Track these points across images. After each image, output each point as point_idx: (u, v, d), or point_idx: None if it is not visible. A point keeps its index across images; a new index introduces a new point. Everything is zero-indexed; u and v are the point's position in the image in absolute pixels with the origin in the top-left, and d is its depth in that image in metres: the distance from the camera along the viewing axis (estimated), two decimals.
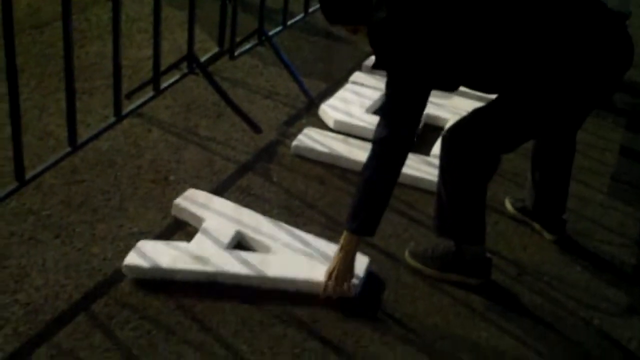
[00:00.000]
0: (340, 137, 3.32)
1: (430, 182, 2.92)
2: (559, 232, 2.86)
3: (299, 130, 3.34)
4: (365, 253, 2.61)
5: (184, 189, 2.89)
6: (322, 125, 3.46)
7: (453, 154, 2.41)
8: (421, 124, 3.39)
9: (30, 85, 3.44)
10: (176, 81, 3.28)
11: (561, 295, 2.62)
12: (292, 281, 2.48)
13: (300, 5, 4.07)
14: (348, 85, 3.76)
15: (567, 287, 2.67)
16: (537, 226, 2.89)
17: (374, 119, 3.44)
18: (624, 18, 2.70)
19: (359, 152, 3.20)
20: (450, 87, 2.42)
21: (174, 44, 3.91)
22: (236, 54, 3.59)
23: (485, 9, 2.23)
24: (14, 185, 2.47)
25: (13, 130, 2.37)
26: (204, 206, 2.74)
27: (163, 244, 2.56)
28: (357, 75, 3.86)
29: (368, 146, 3.20)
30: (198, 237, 2.60)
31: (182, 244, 2.56)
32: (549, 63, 2.22)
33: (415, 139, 2.37)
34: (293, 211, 2.86)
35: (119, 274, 2.47)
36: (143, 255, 2.48)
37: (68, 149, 2.66)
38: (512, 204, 2.97)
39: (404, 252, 2.68)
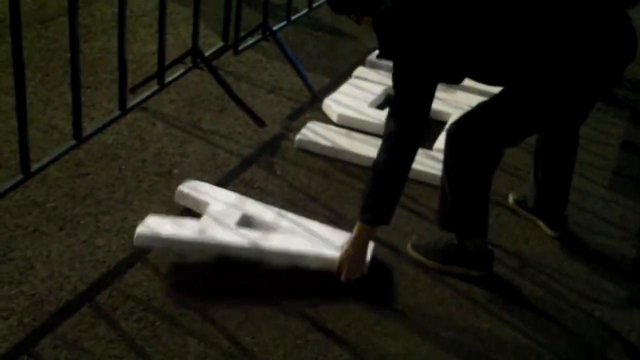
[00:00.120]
0: (344, 131, 3.34)
1: (433, 175, 2.94)
2: (561, 228, 2.87)
3: (303, 125, 3.36)
4: None
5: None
6: (325, 119, 3.47)
7: (458, 148, 2.42)
8: None
9: (35, 79, 3.46)
10: (180, 75, 3.30)
11: (562, 288, 2.64)
12: (301, 256, 2.50)
13: (304, 1, 4.08)
14: (351, 80, 3.77)
15: (568, 279, 2.68)
16: (539, 222, 2.90)
17: (378, 114, 3.48)
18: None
19: (362, 146, 3.22)
20: (455, 79, 2.42)
21: (178, 39, 3.92)
22: (240, 48, 3.60)
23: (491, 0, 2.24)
24: (19, 177, 2.49)
25: (19, 122, 2.39)
26: (208, 194, 2.76)
27: (172, 219, 2.60)
28: (360, 70, 3.87)
29: (371, 140, 3.28)
30: (205, 217, 2.62)
31: (191, 221, 2.59)
32: (553, 54, 2.22)
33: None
34: (296, 204, 2.88)
35: (123, 266, 2.49)
36: (153, 226, 2.52)
37: (73, 142, 2.68)
38: (515, 200, 2.98)
39: (407, 245, 2.70)
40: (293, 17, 3.90)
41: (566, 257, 2.79)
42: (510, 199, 3.00)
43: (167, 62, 3.22)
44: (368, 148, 3.21)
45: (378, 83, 3.74)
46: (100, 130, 2.85)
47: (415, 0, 2.24)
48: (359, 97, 3.59)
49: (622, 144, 3.64)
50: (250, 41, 3.72)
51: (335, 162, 3.19)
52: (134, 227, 2.66)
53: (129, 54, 3.18)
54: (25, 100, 2.40)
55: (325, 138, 3.25)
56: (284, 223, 2.65)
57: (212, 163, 3.08)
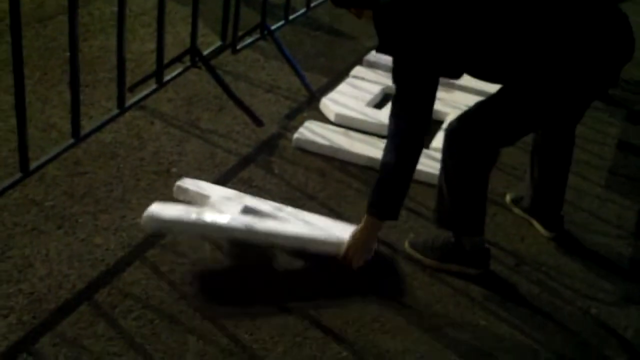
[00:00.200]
0: (341, 130, 3.35)
1: (429, 174, 2.95)
2: (557, 229, 2.88)
3: (300, 124, 3.37)
4: None
5: None
6: (323, 118, 3.48)
7: (456, 147, 2.43)
8: None
9: (33, 78, 3.47)
10: (179, 74, 3.31)
11: (559, 285, 2.65)
12: (310, 239, 2.55)
13: (301, 1, 4.09)
14: (349, 80, 3.79)
15: (564, 277, 2.70)
16: (534, 222, 2.91)
17: (375, 113, 3.50)
18: None
19: (359, 145, 3.24)
20: (454, 75, 2.43)
21: (176, 38, 3.93)
22: (238, 47, 3.61)
23: None
24: (18, 176, 2.49)
25: (18, 121, 2.40)
26: (208, 188, 2.78)
27: (177, 205, 2.63)
28: (357, 70, 3.89)
29: (369, 139, 3.29)
30: (209, 207, 2.63)
31: (197, 208, 2.62)
32: (551, 52, 2.24)
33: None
34: (294, 203, 2.88)
35: (121, 264, 2.50)
36: (159, 211, 2.52)
37: (71, 141, 2.69)
38: (512, 199, 3.00)
39: (404, 243, 2.71)
40: (291, 17, 3.91)
41: (562, 255, 2.81)
42: (507, 198, 3.01)
43: (165, 61, 3.22)
44: (366, 147, 3.23)
45: (376, 82, 3.75)
46: (98, 128, 2.86)
47: None
48: (357, 97, 3.60)
49: (618, 143, 3.66)
50: (248, 40, 3.73)
51: (333, 161, 3.20)
52: (133, 225, 2.68)
53: (127, 52, 3.18)
54: (24, 98, 2.41)
55: (323, 137, 3.27)
56: (285, 215, 2.67)
57: (210, 162, 3.10)
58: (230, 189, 2.82)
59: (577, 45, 2.25)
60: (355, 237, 2.49)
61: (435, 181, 2.62)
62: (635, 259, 2.85)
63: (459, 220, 2.56)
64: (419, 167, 3.03)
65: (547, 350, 2.38)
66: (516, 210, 2.96)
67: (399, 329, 2.39)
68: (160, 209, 2.53)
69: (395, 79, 2.36)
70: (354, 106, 3.51)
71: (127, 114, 3.20)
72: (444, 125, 2.57)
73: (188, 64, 3.35)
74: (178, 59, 3.31)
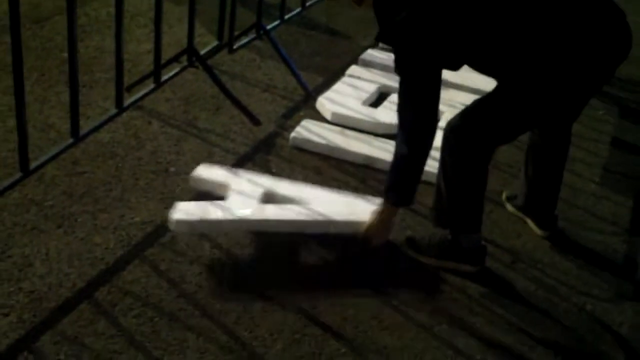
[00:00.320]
0: (338, 129, 3.37)
1: (428, 172, 2.93)
2: (550, 227, 2.89)
3: (297, 123, 3.39)
4: (359, 243, 2.68)
5: (184, 180, 2.94)
6: (319, 117, 3.50)
7: (455, 145, 2.45)
8: None
9: (31, 78, 3.48)
10: (176, 74, 3.32)
11: (554, 282, 2.68)
12: (330, 222, 2.66)
13: (296, 1, 4.11)
14: (345, 79, 3.81)
15: (560, 274, 2.72)
16: (528, 221, 2.93)
17: (371, 112, 3.52)
18: None
19: (355, 144, 3.26)
20: (452, 66, 2.44)
21: (172, 38, 3.94)
22: (235, 47, 3.63)
23: None
24: (18, 175, 2.51)
25: (18, 121, 2.41)
26: (225, 175, 2.85)
27: (200, 203, 2.69)
28: (353, 69, 3.91)
29: (365, 138, 3.31)
30: (231, 197, 2.71)
31: (219, 203, 2.68)
32: (549, 47, 2.26)
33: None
34: None
35: (121, 263, 2.52)
36: (186, 211, 2.62)
37: (71, 140, 2.70)
38: (507, 197, 3.02)
39: (401, 241, 2.73)
40: (286, 16, 3.93)
41: (558, 252, 2.83)
42: (504, 196, 3.04)
43: (162, 61, 3.24)
44: (362, 146, 3.25)
45: (371, 81, 3.77)
46: (97, 128, 2.88)
47: None
48: (353, 96, 3.62)
49: (612, 140, 3.69)
50: (245, 40, 3.74)
51: (330, 159, 3.22)
52: (132, 224, 2.70)
53: (115, 53, 3.20)
54: (24, 98, 2.42)
55: (319, 136, 3.29)
56: (304, 195, 2.78)
57: (207, 161, 3.10)
58: (248, 174, 2.91)
59: (575, 41, 2.28)
60: (373, 220, 2.59)
61: (432, 179, 2.65)
62: (630, 255, 2.88)
63: (457, 218, 2.59)
64: None
65: (542, 346, 2.41)
66: (510, 208, 2.99)
67: (397, 325, 2.42)
68: (186, 211, 2.62)
69: (397, 69, 2.38)
70: (350, 105, 3.53)
71: (124, 114, 3.21)
72: (441, 124, 2.58)
73: (185, 63, 3.36)
74: (175, 59, 3.33)
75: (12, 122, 3.14)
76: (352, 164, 3.20)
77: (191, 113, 3.43)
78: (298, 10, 4.04)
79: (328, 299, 2.48)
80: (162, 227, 2.70)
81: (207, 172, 2.87)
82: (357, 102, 3.57)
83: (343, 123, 3.43)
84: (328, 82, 3.82)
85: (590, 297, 2.63)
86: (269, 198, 2.77)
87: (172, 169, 3.03)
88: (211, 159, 3.12)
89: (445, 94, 3.62)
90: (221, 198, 2.75)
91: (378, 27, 2.36)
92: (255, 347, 2.27)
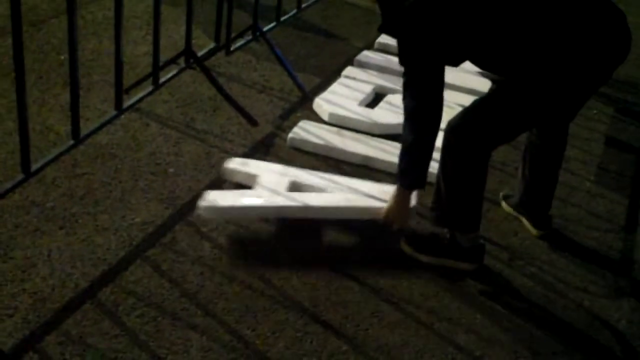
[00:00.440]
0: (335, 129, 3.40)
1: None
2: (545, 227, 2.92)
3: (294, 124, 3.41)
4: (362, 242, 2.75)
5: (183, 181, 2.97)
6: (316, 118, 3.53)
7: (456, 144, 2.48)
8: None
9: (29, 81, 3.41)
10: (174, 75, 3.34)
11: (552, 279, 2.71)
12: (351, 209, 2.77)
13: (292, 3, 4.13)
14: (341, 80, 3.83)
15: (557, 271, 2.76)
16: (523, 220, 2.96)
17: (367, 112, 3.55)
18: None
19: (353, 144, 3.28)
20: (453, 62, 2.48)
21: (169, 40, 3.96)
22: (232, 49, 3.65)
23: None
24: (20, 177, 2.52)
25: (20, 122, 2.42)
26: (255, 167, 2.98)
27: (230, 191, 2.84)
28: (349, 70, 3.93)
29: (362, 138, 3.34)
30: (258, 187, 2.83)
31: (247, 191, 2.83)
32: (550, 45, 2.30)
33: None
34: None
35: (123, 263, 2.54)
36: (215, 199, 2.73)
37: (71, 142, 2.71)
38: (503, 196, 3.05)
39: (400, 240, 2.76)
40: (282, 18, 3.95)
41: (555, 249, 2.87)
42: (501, 195, 3.07)
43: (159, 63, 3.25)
44: (359, 146, 3.28)
45: (367, 82, 3.80)
46: (98, 129, 2.89)
47: None
48: (349, 96, 3.65)
49: (607, 139, 3.73)
50: (241, 42, 3.76)
51: (327, 159, 3.24)
52: (132, 225, 2.71)
53: (115, 56, 3.20)
54: (25, 100, 2.43)
55: (317, 136, 3.31)
56: (330, 183, 2.91)
57: (206, 162, 3.13)
58: (275, 164, 3.04)
59: (575, 41, 2.31)
60: (390, 205, 2.66)
61: (432, 179, 2.68)
62: (626, 252, 2.92)
63: (456, 217, 2.61)
64: None
65: (541, 342, 2.44)
66: (506, 207, 3.01)
67: (397, 323, 2.44)
68: (216, 198, 2.73)
69: (400, 60, 2.42)
70: (347, 106, 3.56)
71: (122, 116, 3.23)
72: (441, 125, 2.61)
73: (183, 65, 3.38)
74: (173, 61, 3.34)
75: (10, 125, 3.17)
76: (349, 164, 3.22)
77: (189, 115, 3.45)
78: (294, 12, 4.07)
79: (328, 297, 2.50)
80: (163, 227, 2.72)
81: (237, 164, 2.99)
82: (353, 103, 3.60)
83: (340, 123, 3.46)
84: (324, 83, 3.85)
85: (587, 294, 2.67)
86: (295, 187, 2.89)
87: (171, 170, 3.05)
88: (210, 160, 3.14)
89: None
90: (249, 188, 2.88)
91: (381, 18, 2.40)
92: (258, 345, 2.29)
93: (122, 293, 2.42)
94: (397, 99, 3.62)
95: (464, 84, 3.73)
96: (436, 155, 2.55)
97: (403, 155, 2.55)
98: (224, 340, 2.30)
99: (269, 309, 2.43)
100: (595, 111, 3.93)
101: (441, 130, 2.52)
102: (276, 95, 3.72)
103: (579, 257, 2.84)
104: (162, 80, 3.22)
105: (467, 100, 3.31)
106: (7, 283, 2.40)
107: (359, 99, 3.64)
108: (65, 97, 3.39)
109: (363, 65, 3.99)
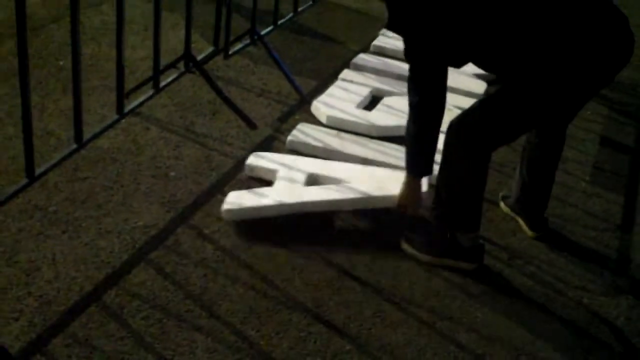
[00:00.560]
0: (333, 132, 3.43)
1: None
2: (541, 229, 2.94)
3: (293, 126, 3.44)
4: (362, 242, 2.78)
5: (185, 185, 3.00)
6: (314, 121, 3.55)
7: (457, 145, 2.52)
8: None
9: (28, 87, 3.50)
10: (174, 79, 3.36)
11: (551, 278, 2.75)
12: (368, 199, 2.88)
13: (289, 7, 4.16)
14: (338, 83, 3.86)
15: (556, 270, 2.79)
16: (520, 221, 2.99)
17: (365, 114, 3.58)
18: None
19: (351, 146, 3.31)
20: (456, 63, 2.53)
21: (166, 45, 3.95)
22: (230, 52, 3.68)
23: None
24: (24, 181, 2.54)
25: (24, 126, 2.44)
26: (274, 162, 3.08)
27: (250, 190, 2.91)
28: (346, 73, 3.96)
29: (360, 140, 3.37)
30: (278, 182, 2.95)
31: (267, 189, 2.91)
32: (553, 50, 2.33)
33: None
34: None
35: (127, 266, 2.56)
36: (237, 200, 2.83)
37: (74, 146, 2.74)
38: (501, 197, 3.08)
39: (400, 240, 2.79)
40: (279, 22, 3.98)
41: (552, 248, 2.90)
42: (500, 195, 3.10)
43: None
44: (358, 148, 3.31)
45: (364, 85, 3.84)
46: (100, 133, 2.91)
47: None
48: (347, 99, 3.68)
49: (601, 139, 3.77)
50: (239, 46, 3.79)
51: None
52: (135, 228, 2.73)
53: (116, 60, 3.22)
54: (29, 105, 2.45)
55: (315, 139, 3.34)
56: (347, 174, 3.02)
57: (206, 165, 3.16)
58: (294, 157, 3.14)
59: (578, 45, 2.35)
60: (402, 192, 2.77)
61: (432, 180, 2.71)
62: (623, 251, 2.96)
63: (457, 217, 2.65)
64: None
65: (542, 339, 2.47)
66: (504, 207, 3.04)
67: (399, 322, 2.47)
68: (235, 201, 2.82)
69: (405, 56, 2.50)
70: (345, 108, 3.59)
71: (122, 121, 3.25)
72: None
73: (182, 69, 3.40)
74: (173, 65, 3.36)
75: (11, 130, 3.19)
76: None
77: (188, 118, 3.47)
78: (290, 15, 4.10)
79: (330, 297, 2.53)
80: (165, 230, 2.75)
81: (257, 160, 3.10)
82: (351, 106, 3.63)
83: (338, 126, 3.49)
84: (321, 86, 3.88)
85: (586, 292, 2.70)
86: (312, 180, 3.00)
87: (172, 174, 3.07)
88: (210, 163, 3.16)
89: None
90: (270, 183, 3.00)
91: (388, 16, 2.45)
92: (262, 345, 2.32)
93: (127, 295, 2.44)
94: (394, 102, 3.68)
95: (460, 85, 3.76)
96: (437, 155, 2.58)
97: (409, 145, 2.65)
98: (229, 341, 2.32)
99: (273, 310, 2.45)
100: (589, 112, 3.97)
101: (442, 132, 2.56)
102: (274, 99, 3.75)
103: (577, 256, 2.88)
104: (162, 84, 3.24)
105: (463, 101, 3.36)
106: (12, 287, 2.41)
107: (356, 102, 3.67)
108: (65, 102, 3.43)
109: (359, 68, 4.02)
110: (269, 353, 2.30)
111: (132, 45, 4.02)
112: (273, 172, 3.02)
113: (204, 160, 3.19)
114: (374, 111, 3.62)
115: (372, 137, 3.42)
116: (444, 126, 2.56)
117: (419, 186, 2.74)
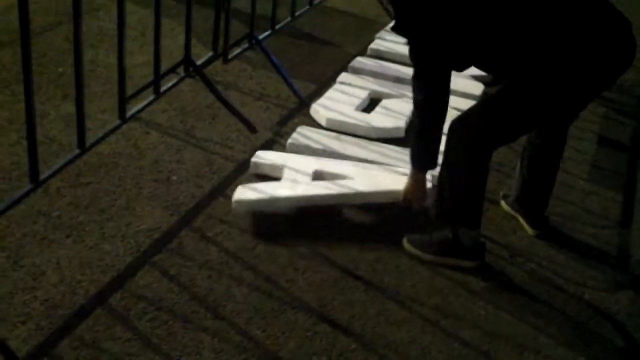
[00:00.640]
0: (333, 134, 3.45)
1: None
2: (541, 227, 2.97)
3: (292, 129, 3.46)
4: (362, 243, 2.81)
5: (186, 188, 3.01)
6: (313, 124, 3.57)
7: (459, 143, 2.55)
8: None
9: None
10: (175, 84, 3.38)
11: (552, 275, 2.77)
12: (374, 194, 2.95)
13: (286, 12, 4.18)
14: (336, 86, 3.89)
15: (557, 266, 2.82)
16: (520, 220, 3.01)
17: (364, 117, 3.60)
18: None
19: (351, 148, 3.33)
20: (459, 67, 2.56)
21: (164, 50, 3.96)
22: (229, 57, 3.70)
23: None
24: (29, 186, 2.54)
25: (28, 132, 2.45)
26: (280, 159, 3.15)
27: (258, 184, 2.97)
28: (343, 76, 3.99)
29: (360, 142, 3.39)
30: (285, 178, 3.01)
31: (276, 183, 2.99)
32: (557, 53, 2.36)
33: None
34: None
35: (131, 269, 2.57)
36: (245, 194, 2.89)
37: (77, 151, 2.75)
38: (503, 196, 3.10)
39: (402, 240, 2.81)
40: (277, 26, 4.00)
41: (553, 246, 2.93)
42: (501, 194, 3.12)
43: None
44: (358, 150, 3.33)
45: (362, 88, 3.86)
46: (103, 138, 2.93)
47: None
48: (345, 102, 3.70)
49: (599, 138, 3.81)
50: (238, 50, 3.81)
51: None
52: (139, 232, 2.75)
53: (116, 66, 3.23)
54: (33, 110, 2.47)
55: (315, 141, 3.36)
56: (351, 170, 3.08)
57: (208, 169, 3.17)
58: (299, 157, 3.18)
59: (581, 48, 2.38)
60: (407, 187, 2.80)
61: (434, 180, 2.73)
62: (622, 247, 2.98)
63: (459, 214, 2.67)
64: None
65: (544, 334, 2.50)
66: (505, 206, 3.07)
67: (403, 321, 2.49)
68: (244, 194, 2.88)
69: (410, 57, 2.53)
70: (344, 111, 3.61)
71: (122, 126, 3.26)
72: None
73: (182, 74, 3.42)
74: (173, 70, 3.39)
75: (13, 136, 3.20)
76: None
77: (188, 123, 3.49)
78: (288, 20, 4.12)
79: (334, 297, 2.55)
80: (169, 233, 2.76)
81: (265, 157, 3.16)
82: (350, 108, 3.65)
83: (338, 128, 3.51)
84: (320, 89, 3.90)
85: (587, 288, 2.73)
86: (318, 176, 3.06)
87: (174, 177, 3.09)
88: (211, 167, 3.18)
89: None
90: (277, 179, 3.04)
91: (395, 18, 2.48)
92: (269, 345, 2.33)
93: (133, 298, 2.45)
94: (392, 104, 3.71)
95: (457, 87, 3.76)
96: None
97: (413, 140, 2.70)
98: (235, 341, 2.34)
99: (278, 310, 2.47)
100: (586, 111, 3.98)
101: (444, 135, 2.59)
102: (273, 102, 3.77)
103: (577, 253, 2.91)
104: (163, 89, 3.26)
105: (460, 103, 3.39)
106: (18, 291, 2.43)
107: (355, 104, 3.69)
108: (65, 108, 3.45)
109: (357, 71, 4.04)
110: (275, 352, 2.32)
111: (129, 52, 3.99)
112: (280, 168, 3.08)
113: (205, 163, 3.21)
114: (372, 113, 3.65)
115: (371, 139, 3.44)
116: (446, 126, 2.59)
117: (424, 180, 2.77)
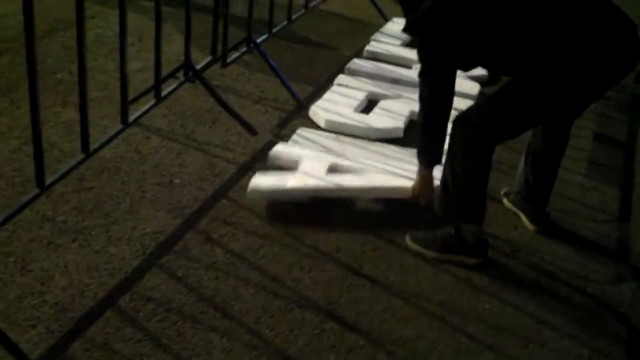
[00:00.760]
0: (333, 135, 3.47)
1: None
2: (542, 222, 3.00)
3: (292, 131, 3.49)
4: (366, 241, 2.83)
5: (189, 191, 3.03)
6: (312, 125, 3.60)
7: (463, 138, 2.59)
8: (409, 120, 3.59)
9: (27, 100, 3.52)
10: (176, 88, 3.40)
11: (554, 269, 2.81)
12: (384, 189, 3.04)
13: (282, 16, 4.22)
14: (334, 88, 3.92)
15: (559, 260, 2.85)
16: (521, 216, 3.05)
17: (363, 118, 3.63)
18: None
19: (351, 149, 3.36)
20: (465, 66, 2.61)
21: (162, 55, 4.02)
22: (228, 61, 3.72)
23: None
24: (35, 191, 2.56)
25: (34, 137, 2.48)
26: (297, 153, 3.24)
27: (275, 175, 3.07)
28: (341, 78, 4.02)
29: (359, 143, 3.42)
30: (301, 170, 3.09)
31: (291, 173, 3.08)
32: (561, 52, 2.41)
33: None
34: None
35: (138, 272, 2.59)
36: (262, 182, 3.00)
37: (81, 156, 2.77)
38: (504, 193, 3.14)
39: (406, 237, 2.84)
40: (274, 30, 4.03)
41: (554, 241, 2.96)
42: (502, 191, 3.16)
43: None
44: (358, 151, 3.35)
45: (360, 89, 3.89)
46: (106, 143, 2.94)
47: None
48: (343, 103, 3.73)
49: (595, 135, 3.85)
50: (237, 54, 3.84)
51: None
52: (144, 235, 2.77)
53: (114, 72, 3.25)
54: (38, 115, 2.49)
55: (315, 143, 3.39)
56: (363, 166, 3.17)
57: (210, 172, 3.20)
58: (314, 151, 3.26)
59: (587, 49, 2.43)
60: (415, 183, 2.88)
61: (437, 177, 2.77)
62: (622, 240, 3.02)
63: (463, 209, 2.70)
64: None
65: (549, 327, 2.53)
66: (507, 203, 3.10)
67: (410, 317, 2.52)
68: (260, 182, 3.00)
69: (418, 55, 2.59)
70: (343, 112, 3.64)
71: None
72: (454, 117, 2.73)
73: (181, 79, 3.44)
74: (172, 74, 3.41)
75: (14, 143, 3.22)
76: None
77: (188, 127, 3.51)
78: (284, 23, 4.15)
79: (341, 295, 2.57)
80: (174, 236, 2.78)
81: (281, 150, 3.26)
82: (348, 110, 3.68)
83: (337, 130, 3.54)
84: (317, 91, 3.93)
85: (589, 281, 2.76)
86: (333, 169, 3.14)
87: (176, 181, 3.11)
88: (213, 170, 3.20)
89: None
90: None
91: (404, 19, 2.54)
92: (278, 343, 2.35)
93: (141, 300, 2.47)
94: (390, 105, 3.74)
95: (459, 88, 3.81)
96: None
97: (419, 136, 2.74)
98: (245, 340, 2.36)
99: (285, 309, 2.49)
100: None
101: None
102: (271, 105, 3.80)
103: (578, 246, 2.94)
104: (164, 93, 3.28)
105: (457, 102, 3.40)
106: (27, 295, 2.44)
107: (353, 106, 3.72)
108: (65, 114, 3.47)
109: (354, 73, 4.08)
110: (285, 350, 2.34)
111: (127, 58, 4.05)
112: (296, 161, 3.16)
113: (207, 167, 3.23)
114: (371, 114, 3.68)
115: (370, 140, 3.47)
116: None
117: (431, 176, 2.80)
